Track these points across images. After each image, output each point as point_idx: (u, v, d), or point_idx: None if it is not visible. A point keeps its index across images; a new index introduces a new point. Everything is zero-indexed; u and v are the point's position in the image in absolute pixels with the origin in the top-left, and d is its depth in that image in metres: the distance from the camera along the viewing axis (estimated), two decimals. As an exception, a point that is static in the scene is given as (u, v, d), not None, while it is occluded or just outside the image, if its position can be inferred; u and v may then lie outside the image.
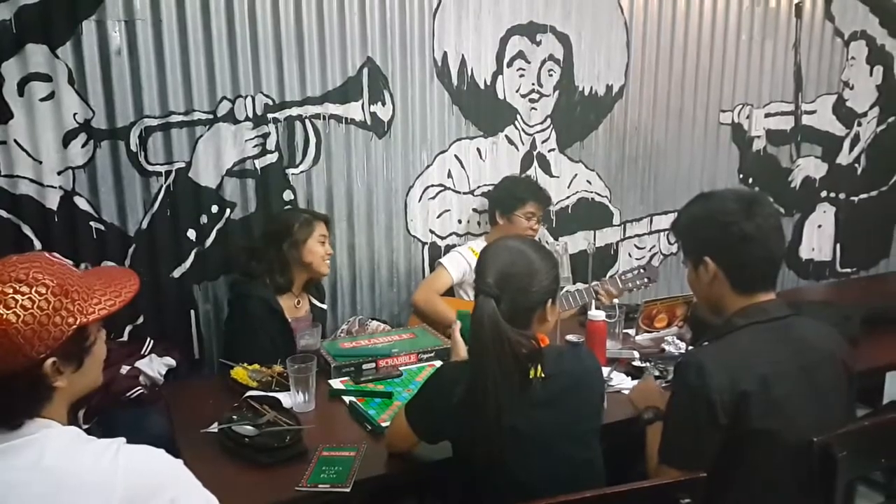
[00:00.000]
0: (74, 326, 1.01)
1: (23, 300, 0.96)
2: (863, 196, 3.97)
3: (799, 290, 3.54)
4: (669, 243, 3.48)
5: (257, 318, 2.26)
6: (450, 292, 2.72)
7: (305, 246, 2.34)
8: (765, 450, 1.36)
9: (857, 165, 3.91)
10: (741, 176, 3.58)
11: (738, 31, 3.38)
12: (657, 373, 2.02)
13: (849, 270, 4.03)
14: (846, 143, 3.85)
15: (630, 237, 3.40)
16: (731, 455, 1.35)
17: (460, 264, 2.70)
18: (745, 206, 1.41)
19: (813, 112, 3.70)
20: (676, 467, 1.37)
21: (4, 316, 0.94)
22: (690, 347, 2.16)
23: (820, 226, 3.90)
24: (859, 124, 3.85)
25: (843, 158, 3.86)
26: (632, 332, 2.34)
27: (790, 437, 1.36)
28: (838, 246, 3.97)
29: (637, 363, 2.09)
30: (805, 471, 1.38)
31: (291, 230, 2.33)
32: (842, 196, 3.91)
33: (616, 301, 2.43)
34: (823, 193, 3.85)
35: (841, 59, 3.70)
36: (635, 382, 1.98)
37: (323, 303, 2.55)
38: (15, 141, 2.22)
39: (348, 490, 1.47)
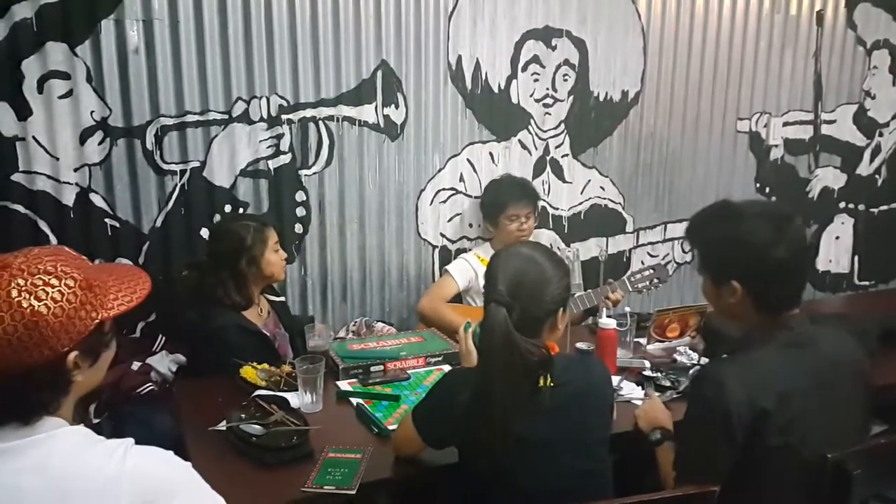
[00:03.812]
0: (97, 320, 1.01)
1: (52, 292, 0.96)
2: (883, 207, 3.91)
3: (815, 303, 3.48)
4: (684, 252, 3.45)
5: (236, 348, 2.06)
6: (456, 299, 2.70)
7: (264, 259, 2.19)
8: (779, 466, 1.33)
9: (877, 176, 3.85)
10: (758, 185, 3.53)
11: (758, 38, 3.34)
12: (668, 383, 2.00)
13: (867, 283, 3.96)
14: (867, 154, 3.79)
15: (643, 245, 3.37)
16: (744, 470, 1.33)
17: (467, 272, 2.69)
18: (776, 228, 1.36)
19: (833, 122, 3.65)
20: (692, 483, 1.34)
21: (36, 307, 0.94)
22: (704, 359, 2.13)
23: (838, 237, 3.84)
24: (881, 135, 3.79)
25: (864, 169, 3.80)
26: (643, 341, 2.31)
27: (805, 454, 1.33)
28: (856, 258, 3.91)
29: (648, 373, 2.07)
30: (817, 486, 1.36)
31: (244, 245, 2.15)
32: (861, 207, 3.85)
33: (627, 309, 2.41)
34: (842, 204, 3.79)
35: (863, 68, 3.64)
36: (644, 393, 1.96)
37: (278, 295, 2.44)
38: (33, 137, 2.25)
39: (353, 492, 1.47)
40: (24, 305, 0.93)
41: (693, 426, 1.39)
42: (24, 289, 0.94)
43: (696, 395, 1.39)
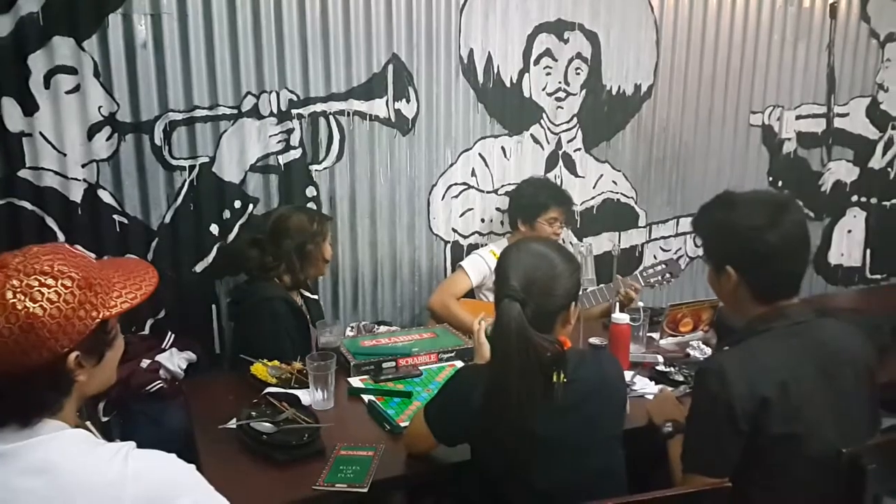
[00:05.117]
0: (98, 320, 0.98)
1: (49, 293, 0.93)
2: (895, 201, 3.88)
3: (827, 297, 3.47)
4: (696, 246, 3.42)
5: (282, 320, 2.19)
6: (468, 295, 2.69)
7: (325, 244, 2.34)
8: (786, 456, 1.33)
9: (889, 170, 3.84)
10: (770, 179, 3.51)
11: (771, 31, 3.32)
12: (681, 378, 1.98)
13: (879, 277, 3.94)
14: (879, 147, 3.77)
15: (656, 239, 3.35)
16: (752, 461, 1.33)
17: (481, 268, 2.67)
18: (770, 215, 1.37)
19: (846, 115, 3.63)
20: (700, 473, 1.35)
21: (31, 309, 0.92)
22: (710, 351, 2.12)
23: (850, 231, 3.82)
24: (893, 128, 3.78)
25: (876, 162, 3.79)
26: (656, 335, 2.30)
27: (812, 444, 1.33)
28: (868, 251, 3.89)
29: (661, 368, 2.05)
30: (830, 480, 1.35)
31: (313, 229, 2.30)
32: (873, 200, 3.83)
33: (640, 303, 2.38)
34: (854, 198, 3.78)
35: (876, 60, 3.62)
36: (658, 388, 1.94)
37: (314, 294, 2.53)
38: (40, 133, 2.23)
39: (365, 490, 1.46)
40: (19, 307, 0.92)
41: (698, 418, 1.39)
42: (18, 290, 0.92)
43: (699, 387, 1.40)
